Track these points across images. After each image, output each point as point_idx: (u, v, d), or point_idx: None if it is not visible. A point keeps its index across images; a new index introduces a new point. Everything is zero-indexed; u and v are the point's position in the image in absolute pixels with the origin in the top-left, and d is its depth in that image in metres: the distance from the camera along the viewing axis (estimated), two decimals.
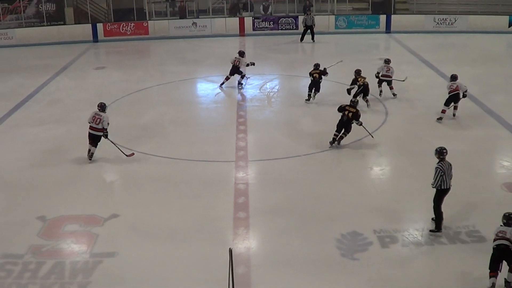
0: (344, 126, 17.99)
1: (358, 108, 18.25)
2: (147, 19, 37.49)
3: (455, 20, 36.87)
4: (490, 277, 11.05)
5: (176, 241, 12.95)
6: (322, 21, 36.62)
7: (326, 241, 12.84)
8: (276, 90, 24.60)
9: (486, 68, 27.38)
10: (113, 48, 34.94)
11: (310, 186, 15.58)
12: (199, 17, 37.68)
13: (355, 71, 21.82)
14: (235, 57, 24.46)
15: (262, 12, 38.33)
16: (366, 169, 17.03)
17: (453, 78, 20.45)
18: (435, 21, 37.36)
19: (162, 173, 16.44)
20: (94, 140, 17.09)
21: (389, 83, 22.83)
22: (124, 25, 36.73)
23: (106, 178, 16.76)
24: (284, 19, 37.38)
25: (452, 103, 20.26)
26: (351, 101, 18.61)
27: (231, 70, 24.33)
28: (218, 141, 18.73)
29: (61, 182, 16.06)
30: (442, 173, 13.05)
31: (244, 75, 24.32)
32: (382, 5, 39.22)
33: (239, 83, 24.31)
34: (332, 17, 37.55)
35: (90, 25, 36.72)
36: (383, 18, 37.45)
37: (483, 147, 18.29)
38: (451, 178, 13.20)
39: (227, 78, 24.53)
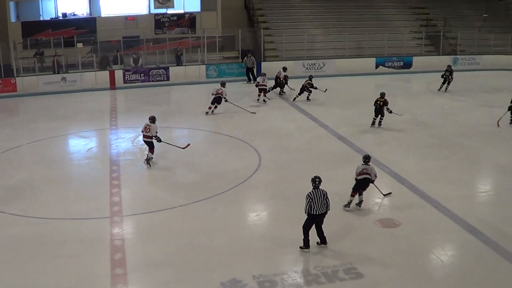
0: (379, 112, 25.27)
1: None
2: (15, 75, 36.37)
3: (324, 65, 37.99)
4: (351, 196, 16.84)
5: None
6: (193, 71, 36.99)
7: None
8: None
9: (355, 108, 28.21)
10: None
11: (187, 237, 15.39)
12: (69, 71, 37.02)
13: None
14: (217, 88, 27.45)
15: (133, 64, 38.13)
16: (242, 215, 17.04)
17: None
18: (304, 66, 38.38)
19: (36, 234, 15.78)
20: (148, 145, 20.87)
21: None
22: None
23: None
24: (155, 71, 37.32)
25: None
26: (381, 93, 25.56)
27: (213, 100, 26.87)
28: (92, 198, 18.27)
29: None
30: (310, 200, 14.03)
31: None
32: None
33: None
34: (203, 67, 37.86)
35: None
36: None
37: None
38: (325, 206, 14.13)
39: (209, 108, 26.92)
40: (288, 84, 33.19)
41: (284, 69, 33.09)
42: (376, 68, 39.98)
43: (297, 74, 36.95)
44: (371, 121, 26.06)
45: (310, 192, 14.20)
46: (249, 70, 37.47)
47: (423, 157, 22.05)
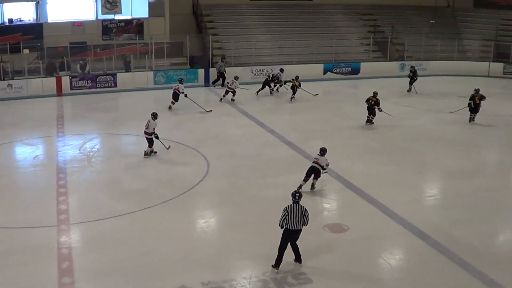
0: (370, 110, 27.06)
1: None
2: None
3: (272, 71, 38.05)
4: (303, 180, 18.50)
5: None
6: (141, 77, 36.75)
7: None
8: (96, 150, 24.14)
9: (303, 114, 28.32)
10: None
11: (136, 244, 15.25)
12: (15, 78, 36.39)
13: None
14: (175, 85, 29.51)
15: (80, 71, 37.66)
16: (190, 222, 16.95)
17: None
18: (252, 72, 38.43)
19: None
20: (148, 141, 22.29)
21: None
22: None
23: None
24: (103, 77, 36.92)
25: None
26: (373, 92, 27.46)
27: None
28: (39, 206, 17.93)
29: None
30: (286, 214, 13.62)
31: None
32: (200, 59, 39.80)
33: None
34: (151, 73, 37.62)
35: None
36: (201, 71, 38.05)
37: (304, 192, 18.72)
38: (301, 223, 13.69)
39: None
40: (284, 85, 35.13)
41: (236, 78, 33.26)
42: (324, 74, 40.26)
43: (245, 80, 36.79)
44: (365, 119, 27.66)
45: (287, 206, 13.80)
46: (221, 75, 37.58)
47: (370, 162, 22.29)
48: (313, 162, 18.94)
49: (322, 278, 13.50)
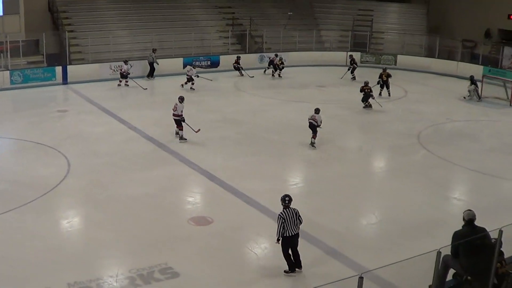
0: (366, 98, 29.79)
1: None
2: None
3: (131, 66, 37.46)
4: (312, 138, 23.25)
5: None
6: None
7: None
8: None
9: (162, 109, 28.13)
10: None
11: None
12: None
13: None
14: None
15: None
16: (53, 223, 16.56)
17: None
18: (111, 69, 37.82)
19: None
20: (176, 122, 23.71)
21: None
22: None
23: None
24: None
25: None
26: (365, 82, 30.25)
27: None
28: None
29: None
30: (283, 221, 13.32)
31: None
32: (57, 57, 38.80)
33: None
34: (7, 73, 36.25)
35: None
36: (59, 69, 36.91)
37: (168, 186, 18.85)
38: (298, 225, 13.50)
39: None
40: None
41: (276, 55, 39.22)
42: (183, 68, 40.11)
43: (104, 76, 36.26)
44: (363, 105, 30.22)
45: (281, 213, 13.45)
46: (151, 66, 37.75)
47: (233, 154, 22.56)
48: (310, 119, 23.27)
49: (189, 272, 13.62)
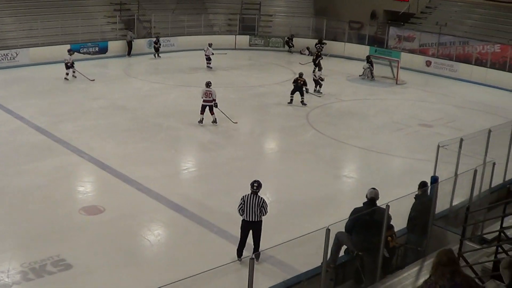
0: (297, 90, 28.40)
1: None
2: None
3: (17, 55, 36.61)
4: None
5: None
6: None
7: None
8: None
9: (52, 98, 27.60)
10: None
11: None
12: None
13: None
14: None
15: None
16: None
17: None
18: None
19: None
20: (209, 108, 24.22)
21: None
22: None
23: None
24: None
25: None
26: (299, 73, 29.05)
27: None
28: None
29: None
30: (243, 202, 13.34)
31: None
32: None
33: None
34: None
35: None
36: None
37: (58, 177, 18.54)
38: (259, 214, 13.34)
39: None
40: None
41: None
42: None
43: None
44: (289, 99, 28.65)
45: (244, 195, 13.42)
46: (129, 44, 40.57)
47: (123, 141, 22.42)
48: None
49: (82, 263, 13.49)
